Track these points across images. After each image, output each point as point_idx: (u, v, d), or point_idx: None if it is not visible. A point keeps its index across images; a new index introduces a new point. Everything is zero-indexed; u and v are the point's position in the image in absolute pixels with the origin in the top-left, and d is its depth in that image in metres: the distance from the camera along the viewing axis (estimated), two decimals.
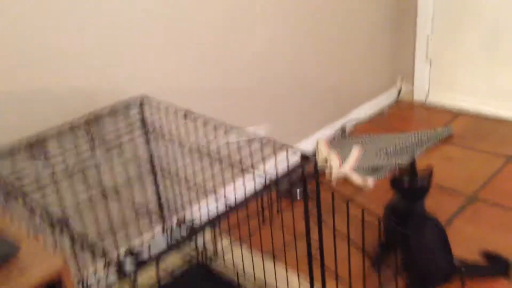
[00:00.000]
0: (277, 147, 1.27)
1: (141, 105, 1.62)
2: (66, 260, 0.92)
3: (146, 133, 1.65)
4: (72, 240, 0.98)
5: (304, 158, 1.21)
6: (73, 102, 1.51)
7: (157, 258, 0.92)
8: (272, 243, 1.43)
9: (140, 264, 0.90)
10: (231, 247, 1.71)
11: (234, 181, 1.64)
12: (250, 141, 1.37)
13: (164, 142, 1.51)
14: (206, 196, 1.86)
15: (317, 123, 2.47)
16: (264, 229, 1.79)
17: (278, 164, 1.29)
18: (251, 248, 1.71)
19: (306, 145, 2.41)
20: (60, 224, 1.01)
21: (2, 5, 1.32)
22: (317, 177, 1.24)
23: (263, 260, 1.65)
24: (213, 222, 1.22)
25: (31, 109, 1.43)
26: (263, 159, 1.31)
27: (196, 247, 1.82)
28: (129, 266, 0.87)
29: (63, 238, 1.28)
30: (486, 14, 2.49)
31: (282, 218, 1.51)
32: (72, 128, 1.49)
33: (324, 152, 2.32)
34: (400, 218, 1.53)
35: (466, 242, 1.73)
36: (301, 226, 1.36)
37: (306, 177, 1.22)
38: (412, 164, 1.54)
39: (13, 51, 1.37)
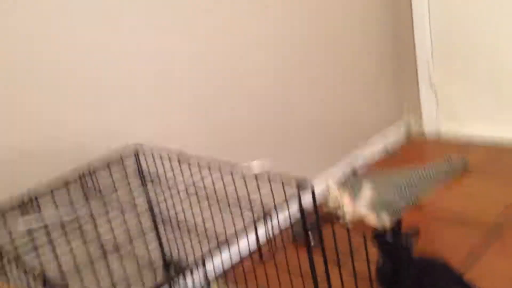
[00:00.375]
0: (272, 178, 1.21)
1: (136, 155, 1.59)
2: None
3: (143, 183, 1.61)
4: None
5: (301, 185, 1.14)
6: (64, 155, 1.48)
7: None
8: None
9: None
10: None
11: (234, 224, 1.57)
12: (245, 177, 1.32)
13: (162, 190, 1.46)
14: (209, 243, 1.79)
15: (324, 162, 2.40)
16: (272, 275, 1.69)
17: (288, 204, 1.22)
18: None
19: (315, 186, 2.33)
20: None
21: None
22: (316, 209, 1.16)
23: None
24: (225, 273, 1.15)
25: (21, 164, 1.41)
26: (260, 196, 1.25)
27: None
28: None
29: None
30: (485, 37, 2.46)
31: (287, 262, 1.41)
32: (66, 183, 1.45)
33: (336, 196, 2.24)
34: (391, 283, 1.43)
35: (499, 277, 1.61)
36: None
37: (304, 208, 1.14)
38: (398, 222, 1.46)
39: (3, 105, 1.36)
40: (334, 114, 2.42)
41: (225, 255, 1.89)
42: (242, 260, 1.92)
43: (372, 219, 2.08)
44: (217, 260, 1.87)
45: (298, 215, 1.17)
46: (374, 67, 2.61)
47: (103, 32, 1.54)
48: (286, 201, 1.18)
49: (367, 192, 2.22)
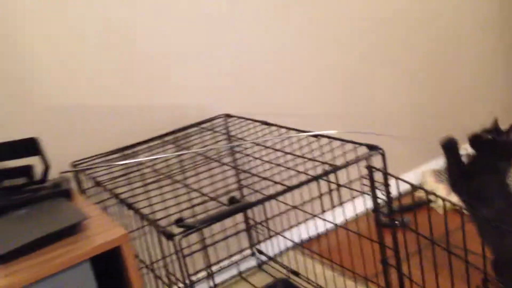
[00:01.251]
0: (344, 142, 1.25)
1: (226, 120, 1.70)
2: (126, 231, 0.98)
3: (231, 147, 1.71)
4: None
5: (372, 148, 1.17)
6: (162, 119, 1.64)
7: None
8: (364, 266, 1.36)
9: None
10: (314, 264, 1.66)
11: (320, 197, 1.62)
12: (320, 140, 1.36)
13: (248, 155, 1.55)
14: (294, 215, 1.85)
15: (424, 154, 2.35)
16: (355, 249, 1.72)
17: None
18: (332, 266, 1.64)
19: (410, 177, 2.29)
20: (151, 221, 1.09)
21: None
22: (385, 169, 1.18)
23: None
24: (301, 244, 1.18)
25: (126, 122, 1.58)
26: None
27: (282, 265, 1.80)
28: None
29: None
30: None
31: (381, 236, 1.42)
32: (161, 137, 1.60)
33: (430, 184, 2.19)
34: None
35: None
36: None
37: (372, 168, 1.17)
38: (495, 122, 1.40)
39: (118, 71, 1.54)
40: (450, 106, 2.37)
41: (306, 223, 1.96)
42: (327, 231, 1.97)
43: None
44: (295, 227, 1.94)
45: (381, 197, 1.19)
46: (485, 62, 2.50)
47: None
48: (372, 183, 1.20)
49: None
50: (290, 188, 1.06)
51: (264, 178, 1.17)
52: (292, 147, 1.48)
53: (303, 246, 1.90)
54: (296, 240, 1.94)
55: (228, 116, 1.72)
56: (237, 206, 0.95)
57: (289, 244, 1.93)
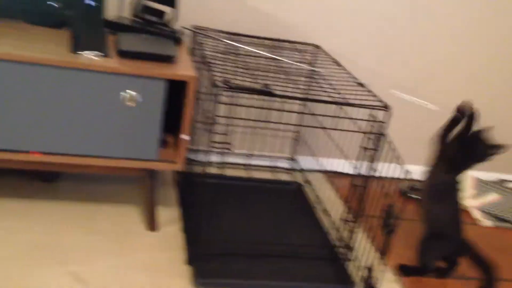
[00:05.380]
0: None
1: (316, 51, 2.11)
2: (196, 73, 1.50)
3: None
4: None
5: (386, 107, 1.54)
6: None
7: None
8: None
9: None
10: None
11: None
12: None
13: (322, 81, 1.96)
14: None
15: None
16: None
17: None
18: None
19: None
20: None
21: None
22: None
23: None
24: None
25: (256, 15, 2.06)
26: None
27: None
28: None
29: None
30: None
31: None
32: (262, 39, 2.07)
33: (466, 187, 2.45)
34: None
35: None
36: None
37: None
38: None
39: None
40: None
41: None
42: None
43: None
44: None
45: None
46: None
47: None
48: None
49: (490, 197, 2.41)
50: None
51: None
52: None
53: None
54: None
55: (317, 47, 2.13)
56: (264, 89, 1.41)
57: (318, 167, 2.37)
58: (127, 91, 1.46)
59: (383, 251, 1.53)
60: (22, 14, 1.61)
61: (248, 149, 2.28)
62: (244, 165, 2.27)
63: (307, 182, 2.22)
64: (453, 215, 1.68)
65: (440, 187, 1.67)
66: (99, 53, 1.45)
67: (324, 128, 1.74)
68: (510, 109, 2.49)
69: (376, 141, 1.54)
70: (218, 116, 1.44)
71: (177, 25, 1.90)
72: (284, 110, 1.70)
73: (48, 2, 1.52)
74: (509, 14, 2.28)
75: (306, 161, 2.36)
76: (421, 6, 2.19)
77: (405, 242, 1.90)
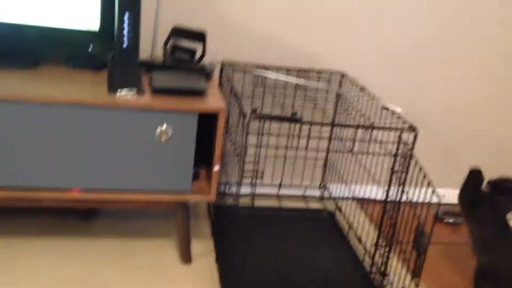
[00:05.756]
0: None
1: (341, 78, 2.16)
2: (225, 105, 1.55)
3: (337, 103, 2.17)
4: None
5: (412, 129, 1.55)
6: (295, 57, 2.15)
7: None
8: None
9: None
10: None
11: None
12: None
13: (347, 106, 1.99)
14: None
15: None
16: None
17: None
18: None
19: None
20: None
21: None
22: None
23: None
24: None
25: (276, 49, 2.13)
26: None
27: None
28: None
29: None
30: None
31: None
32: (288, 71, 2.13)
33: None
34: None
35: None
36: None
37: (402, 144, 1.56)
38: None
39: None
40: None
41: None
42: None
43: None
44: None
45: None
46: None
47: None
48: None
49: None
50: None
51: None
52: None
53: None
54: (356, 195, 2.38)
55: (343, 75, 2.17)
56: (292, 117, 1.45)
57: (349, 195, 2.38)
58: (161, 126, 1.52)
59: (416, 273, 1.52)
60: (66, 59, 1.73)
61: (279, 179, 2.31)
62: (275, 195, 2.30)
63: (339, 209, 2.23)
64: None
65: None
66: (134, 92, 1.52)
67: (351, 151, 1.76)
68: None
69: (404, 163, 1.55)
70: (248, 145, 1.48)
71: (206, 60, 1.98)
72: (312, 138, 1.74)
73: (89, 48, 1.63)
74: None
75: (336, 188, 2.37)
76: (448, 32, 2.22)
77: (451, 266, 1.88)
